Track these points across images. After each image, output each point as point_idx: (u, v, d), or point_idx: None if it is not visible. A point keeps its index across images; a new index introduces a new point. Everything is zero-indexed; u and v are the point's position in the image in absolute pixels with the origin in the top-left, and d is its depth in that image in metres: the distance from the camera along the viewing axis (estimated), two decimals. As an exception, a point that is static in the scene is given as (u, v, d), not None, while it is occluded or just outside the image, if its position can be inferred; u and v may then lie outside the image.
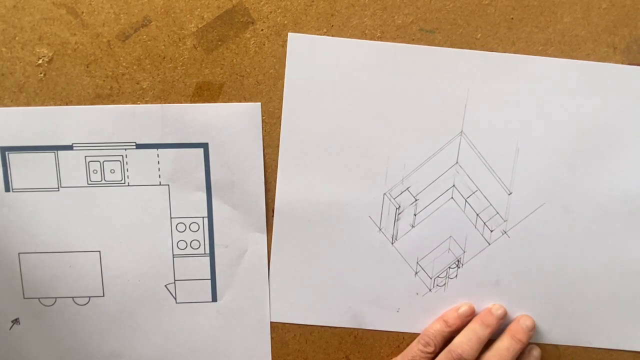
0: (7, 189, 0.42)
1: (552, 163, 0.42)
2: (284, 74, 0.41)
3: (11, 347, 0.44)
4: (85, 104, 0.41)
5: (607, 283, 0.44)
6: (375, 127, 0.42)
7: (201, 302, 0.45)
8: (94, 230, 0.43)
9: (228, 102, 0.42)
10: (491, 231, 0.44)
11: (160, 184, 0.43)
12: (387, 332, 0.46)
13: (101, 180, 0.42)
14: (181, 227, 0.43)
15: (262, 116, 0.42)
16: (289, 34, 0.41)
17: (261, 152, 0.42)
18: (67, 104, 0.41)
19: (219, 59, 0.41)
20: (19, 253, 0.43)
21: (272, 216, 0.44)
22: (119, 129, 0.42)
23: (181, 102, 0.42)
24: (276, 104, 0.42)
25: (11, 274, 0.43)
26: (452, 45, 0.41)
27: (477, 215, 0.43)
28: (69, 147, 0.42)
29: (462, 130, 0.42)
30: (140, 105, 0.41)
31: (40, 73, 0.41)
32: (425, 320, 0.45)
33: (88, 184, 0.42)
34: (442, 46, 0.41)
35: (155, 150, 0.42)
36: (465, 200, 0.43)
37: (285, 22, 0.41)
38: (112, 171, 0.42)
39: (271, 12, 0.41)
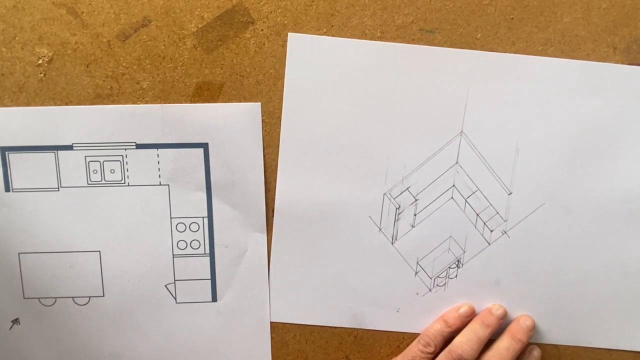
0: (7, 189, 0.42)
1: (552, 163, 0.42)
2: (284, 74, 0.41)
3: (11, 347, 0.44)
4: (85, 104, 0.41)
5: (607, 283, 0.44)
6: (375, 127, 0.42)
7: (201, 302, 0.45)
8: (94, 230, 0.43)
9: (228, 102, 0.42)
10: (491, 231, 0.44)
11: (160, 184, 0.43)
12: (387, 332, 0.46)
13: (101, 180, 0.42)
14: (181, 227, 0.43)
15: (262, 116, 0.42)
16: (289, 34, 0.41)
17: (261, 152, 0.42)
18: (67, 104, 0.41)
19: (219, 59, 0.41)
20: (19, 253, 0.43)
21: (272, 216, 0.44)
22: (119, 129, 0.42)
23: (181, 102, 0.42)
24: (276, 104, 0.42)
25: (11, 274, 0.43)
26: (452, 45, 0.41)
27: (477, 215, 0.43)
28: (69, 147, 0.42)
29: (462, 130, 0.42)
30: (140, 105, 0.41)
31: (40, 73, 0.41)
32: (425, 320, 0.45)
33: (88, 184, 0.42)
34: (442, 46, 0.41)
35: (155, 150, 0.42)
36: (465, 200, 0.43)
37: (285, 22, 0.41)
38: (112, 171, 0.42)
39: (271, 12, 0.41)
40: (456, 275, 0.45)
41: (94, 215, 0.43)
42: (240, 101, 0.42)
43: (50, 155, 0.42)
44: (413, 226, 0.44)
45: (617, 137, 0.42)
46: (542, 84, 0.41)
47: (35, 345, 0.45)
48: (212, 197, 0.43)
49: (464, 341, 0.42)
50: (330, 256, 0.44)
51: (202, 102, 0.42)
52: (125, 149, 0.42)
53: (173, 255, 0.44)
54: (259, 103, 0.42)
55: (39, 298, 0.44)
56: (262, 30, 0.41)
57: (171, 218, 0.43)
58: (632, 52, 0.41)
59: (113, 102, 0.42)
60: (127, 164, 0.42)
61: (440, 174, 0.43)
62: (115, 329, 0.45)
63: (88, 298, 0.44)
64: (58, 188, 0.42)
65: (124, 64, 0.41)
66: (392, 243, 0.44)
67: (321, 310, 0.45)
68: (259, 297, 0.45)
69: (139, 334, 0.45)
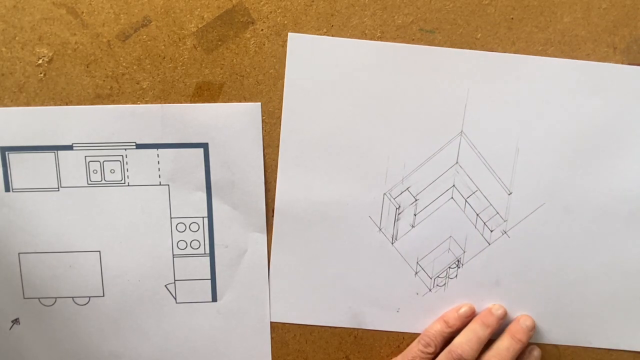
0: (7, 189, 0.42)
1: (552, 163, 0.42)
2: (284, 74, 0.41)
3: (11, 347, 0.44)
4: (85, 104, 0.41)
5: (607, 283, 0.44)
6: (375, 127, 0.42)
7: (201, 302, 0.45)
8: (94, 230, 0.43)
9: (228, 102, 0.42)
10: (491, 231, 0.44)
11: (160, 184, 0.43)
12: (387, 332, 0.46)
13: (101, 180, 0.42)
14: (181, 227, 0.43)
15: (262, 116, 0.42)
16: (289, 34, 0.41)
17: (261, 152, 0.42)
18: (67, 104, 0.41)
19: (219, 59, 0.41)
20: (19, 253, 0.43)
21: (272, 216, 0.44)
22: (119, 129, 0.42)
23: (181, 102, 0.42)
24: (276, 104, 0.42)
25: (11, 274, 0.43)
26: (452, 45, 0.41)
27: (477, 215, 0.43)
28: (69, 147, 0.42)
29: (462, 130, 0.42)
30: (140, 105, 0.41)
31: (40, 73, 0.41)
32: (425, 320, 0.45)
33: (88, 184, 0.42)
34: (442, 46, 0.41)
35: (155, 150, 0.42)
36: (465, 200, 0.43)
37: (285, 22, 0.41)
38: (112, 171, 0.42)
39: (271, 12, 0.41)
40: (456, 275, 0.45)
41: (94, 215, 0.43)
42: (240, 101, 0.42)
43: (50, 155, 0.42)
44: (413, 226, 0.44)
45: (617, 137, 0.42)
46: (542, 84, 0.41)
47: (35, 345, 0.45)
48: (212, 197, 0.43)
49: (464, 341, 0.42)
50: (330, 256, 0.44)
51: (202, 102, 0.42)
52: (125, 149, 0.42)
53: (173, 255, 0.44)
54: (259, 103, 0.42)
55: (39, 298, 0.44)
56: (262, 30, 0.41)
57: (171, 218, 0.43)
58: (632, 52, 0.41)
59: (113, 102, 0.41)
60: (127, 164, 0.42)
61: (440, 174, 0.43)
62: (115, 329, 0.45)
63: (88, 298, 0.44)
64: (58, 188, 0.42)
65: (124, 64, 0.41)
66: (392, 243, 0.44)
67: (321, 310, 0.45)
68: (259, 297, 0.45)
69: (139, 334, 0.45)
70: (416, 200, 0.43)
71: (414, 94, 0.42)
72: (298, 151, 0.42)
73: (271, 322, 0.45)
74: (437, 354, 0.43)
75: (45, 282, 0.44)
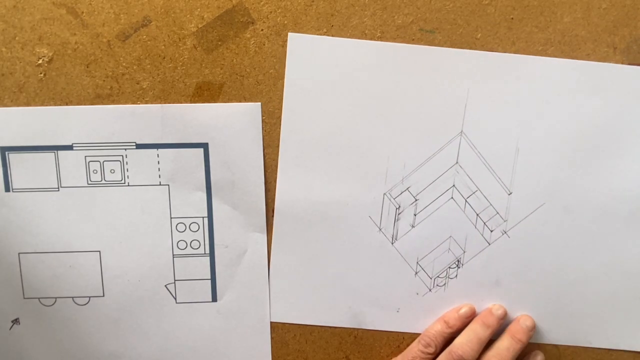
0: (7, 189, 0.42)
1: (552, 163, 0.42)
2: (284, 74, 0.41)
3: (11, 347, 0.44)
4: (85, 104, 0.41)
5: (607, 283, 0.44)
6: (375, 127, 0.42)
7: (201, 302, 0.45)
8: (94, 230, 0.43)
9: (228, 102, 0.42)
10: (491, 231, 0.44)
11: (160, 184, 0.43)
12: (387, 332, 0.46)
13: (101, 180, 0.42)
14: (181, 227, 0.43)
15: (262, 116, 0.42)
16: (289, 34, 0.41)
17: (261, 152, 0.42)
18: (67, 104, 0.41)
19: (219, 59, 0.41)
20: (19, 253, 0.43)
21: (272, 216, 0.44)
22: (119, 129, 0.42)
23: (181, 102, 0.42)
24: (276, 104, 0.42)
25: (11, 274, 0.43)
26: (452, 45, 0.41)
27: (477, 215, 0.43)
28: (69, 147, 0.42)
29: (462, 130, 0.42)
30: (140, 105, 0.41)
31: (40, 73, 0.41)
32: (425, 320, 0.45)
33: (88, 184, 0.42)
34: (442, 46, 0.41)
35: (155, 150, 0.42)
36: (465, 200, 0.43)
37: (285, 22, 0.41)
38: (112, 171, 0.42)
39: (271, 12, 0.41)
40: (456, 275, 0.45)
41: (94, 215, 0.43)
42: (240, 101, 0.42)
43: (50, 155, 0.42)
44: (413, 226, 0.44)
45: (617, 137, 0.42)
46: (542, 84, 0.41)
47: (35, 345, 0.45)
48: (212, 197, 0.43)
49: (465, 342, 0.42)
50: (330, 256, 0.44)
51: (202, 102, 0.42)
52: (125, 149, 0.42)
53: (173, 255, 0.44)
54: (259, 103, 0.42)
55: (39, 298, 0.44)
56: (262, 30, 0.41)
57: (171, 218, 0.43)
58: (632, 52, 0.41)
59: (113, 102, 0.41)
60: (127, 164, 0.42)
61: (440, 174, 0.43)
62: (115, 329, 0.45)
63: (88, 298, 0.44)
64: (58, 188, 0.42)
65: (124, 64, 0.41)
66: (392, 243, 0.44)
67: (321, 310, 0.45)
68: (259, 297, 0.45)
69: (139, 334, 0.45)
70: (416, 200, 0.43)
71: (414, 94, 0.42)
72: (298, 151, 0.42)
73: (271, 322, 0.45)
74: (437, 354, 0.43)
75: (45, 282, 0.44)
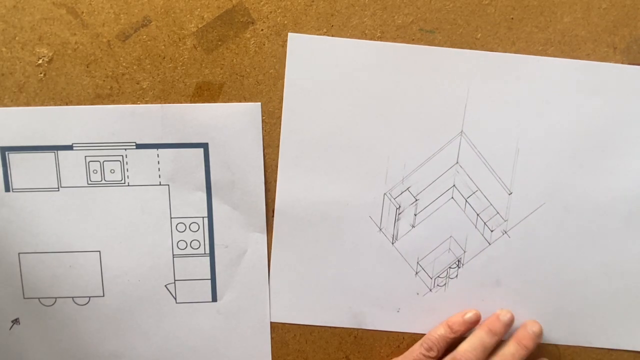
0: (7, 189, 0.42)
1: (552, 163, 0.42)
2: (284, 74, 0.41)
3: (11, 347, 0.44)
4: (85, 104, 0.41)
5: (607, 283, 0.44)
6: (375, 127, 0.42)
7: (201, 302, 0.45)
8: (94, 230, 0.43)
9: (228, 102, 0.42)
10: (491, 231, 0.44)
11: (160, 184, 0.43)
12: (387, 332, 0.46)
13: (101, 180, 0.42)
14: (181, 227, 0.43)
15: (262, 116, 0.42)
16: (289, 34, 0.41)
17: (261, 152, 0.42)
18: (67, 104, 0.41)
19: (219, 59, 0.41)
20: (19, 253, 0.43)
21: (272, 216, 0.44)
22: (119, 129, 0.42)
23: (181, 102, 0.42)
24: (276, 104, 0.42)
25: (11, 274, 0.43)
26: (452, 45, 0.41)
27: (478, 215, 0.43)
28: (69, 147, 0.42)
29: (462, 130, 0.42)
30: (140, 105, 0.41)
31: (40, 73, 0.41)
32: (425, 320, 0.45)
33: (88, 184, 0.42)
34: (442, 46, 0.41)
35: (155, 150, 0.42)
36: (466, 200, 0.43)
37: (285, 22, 0.41)
38: (112, 171, 0.42)
39: (271, 12, 0.41)
40: (456, 275, 0.45)
41: (94, 215, 0.43)
42: (240, 101, 0.42)
43: (50, 155, 0.42)
44: (413, 226, 0.44)
45: (617, 137, 0.42)
46: (542, 84, 0.41)
47: (35, 345, 0.45)
48: (212, 197, 0.43)
49: (469, 349, 0.42)
50: (330, 256, 0.44)
51: (202, 102, 0.42)
52: (125, 149, 0.42)
53: (173, 255, 0.44)
54: (259, 103, 0.42)
55: (39, 298, 0.44)
56: (262, 30, 0.41)
57: (171, 218, 0.43)
58: (632, 52, 0.41)
59: (113, 102, 0.41)
60: (127, 164, 0.42)
61: (441, 174, 0.43)
62: (115, 329, 0.45)
63: (88, 298, 0.44)
64: (58, 188, 0.42)
65: (124, 64, 0.41)
66: (393, 243, 0.44)
67: (321, 310, 0.45)
68: (259, 297, 0.45)
69: (139, 334, 0.45)
70: (416, 200, 0.43)
71: (414, 94, 0.42)
72: (298, 151, 0.42)
73: (271, 322, 0.45)
74: (439, 358, 0.43)
75: (45, 282, 0.44)
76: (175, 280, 0.44)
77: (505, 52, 0.41)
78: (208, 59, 0.41)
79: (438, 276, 0.45)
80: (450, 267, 0.44)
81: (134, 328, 0.45)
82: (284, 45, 0.41)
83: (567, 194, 0.43)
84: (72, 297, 0.44)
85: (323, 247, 0.44)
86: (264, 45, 0.41)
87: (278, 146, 0.42)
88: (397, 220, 0.44)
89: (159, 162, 0.42)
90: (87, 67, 0.41)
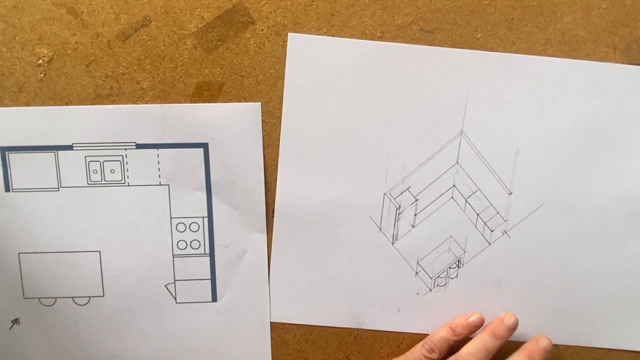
0: (7, 189, 0.42)
1: (552, 163, 0.42)
2: (284, 74, 0.41)
3: (11, 347, 0.44)
4: (85, 104, 0.41)
5: (607, 283, 0.44)
6: (375, 127, 0.42)
7: (201, 302, 0.45)
8: (94, 230, 0.43)
9: (228, 102, 0.42)
10: (491, 231, 0.44)
11: (160, 184, 0.43)
12: (387, 332, 0.46)
13: (101, 180, 0.42)
14: (181, 227, 0.43)
15: (262, 116, 0.42)
16: (289, 34, 0.41)
17: (261, 152, 0.42)
18: (67, 104, 0.41)
19: (219, 59, 0.41)
20: (19, 253, 0.43)
21: (272, 216, 0.44)
22: (119, 129, 0.42)
23: (181, 102, 0.42)
24: (276, 104, 0.42)
25: (11, 274, 0.43)
26: (452, 45, 0.41)
27: (478, 215, 0.43)
28: (69, 147, 0.42)
29: (462, 130, 0.42)
30: (140, 105, 0.41)
31: (40, 73, 0.41)
32: (425, 320, 0.45)
33: (88, 184, 0.42)
34: (442, 46, 0.41)
35: (155, 150, 0.42)
36: (466, 200, 0.43)
37: (285, 22, 0.41)
38: (112, 171, 0.42)
39: (271, 12, 0.41)
40: (456, 275, 0.45)
41: (94, 215, 0.43)
42: (240, 101, 0.42)
43: (50, 155, 0.42)
44: (413, 226, 0.44)
45: (617, 137, 0.42)
46: (542, 84, 0.41)
47: (35, 345, 0.45)
48: (212, 197, 0.43)
49: (472, 352, 0.41)
50: (330, 256, 0.44)
51: (202, 102, 0.42)
52: (125, 149, 0.42)
53: (173, 255, 0.44)
54: (259, 103, 0.42)
55: (39, 298, 0.44)
56: (262, 30, 0.41)
57: (171, 218, 0.43)
58: (632, 52, 0.41)
59: (113, 102, 0.41)
60: (127, 164, 0.42)
61: (441, 174, 0.43)
62: (115, 329, 0.45)
63: (88, 298, 0.44)
64: (58, 188, 0.42)
65: (124, 64, 0.41)
66: (393, 243, 0.44)
67: (321, 310, 0.45)
68: (259, 297, 0.45)
69: (139, 334, 0.45)
70: (416, 200, 0.43)
71: (414, 94, 0.42)
72: (298, 151, 0.42)
73: (271, 322, 0.45)
74: (440, 360, 0.43)
75: (45, 282, 0.44)
76: (175, 280, 0.44)
77: (505, 52, 0.41)
78: (208, 59, 0.41)
79: (438, 276, 0.45)
80: (450, 267, 0.44)
81: (134, 328, 0.45)
82: (284, 45, 0.41)
83: (567, 194, 0.43)
84: (72, 297, 0.44)
85: (323, 247, 0.44)
86: (264, 45, 0.41)
87: (278, 146, 0.42)
88: (397, 220, 0.44)
89: (159, 162, 0.42)
90: (87, 67, 0.41)
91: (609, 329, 0.45)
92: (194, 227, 0.43)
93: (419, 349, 0.43)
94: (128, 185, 0.43)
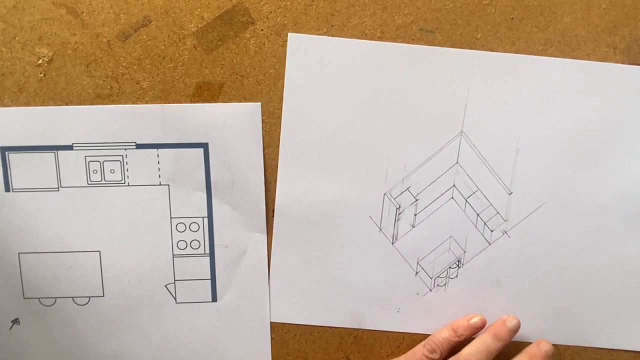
0: (7, 189, 0.42)
1: (552, 163, 0.42)
2: (284, 74, 0.41)
3: (11, 347, 0.44)
4: (85, 104, 0.41)
5: (607, 283, 0.44)
6: (375, 127, 0.42)
7: (201, 302, 0.45)
8: (94, 230, 0.43)
9: (228, 102, 0.42)
10: (491, 231, 0.44)
11: (160, 184, 0.43)
12: (387, 332, 0.46)
13: (101, 180, 0.42)
14: (181, 227, 0.43)
15: (262, 116, 0.42)
16: (289, 34, 0.41)
17: (261, 152, 0.42)
18: (67, 104, 0.41)
19: (219, 59, 0.41)
20: (19, 253, 0.43)
21: (272, 216, 0.44)
22: (119, 129, 0.42)
23: (181, 102, 0.42)
24: (276, 104, 0.42)
25: (11, 274, 0.43)
26: (452, 45, 0.41)
27: (478, 215, 0.43)
28: (69, 147, 0.42)
29: (462, 130, 0.42)
30: (140, 105, 0.41)
31: (40, 73, 0.41)
32: (425, 320, 0.45)
33: (88, 184, 0.42)
34: (442, 46, 0.41)
35: (155, 150, 0.42)
36: (466, 200, 0.43)
37: (285, 22, 0.41)
38: (112, 171, 0.42)
39: (271, 12, 0.41)
40: (457, 275, 0.45)
41: (94, 215, 0.43)
42: (240, 101, 0.42)
43: (50, 155, 0.42)
44: (413, 226, 0.44)
45: (617, 137, 0.42)
46: (542, 84, 0.41)
47: (35, 345, 0.45)
48: (212, 197, 0.43)
49: (474, 352, 0.41)
50: (330, 256, 0.44)
51: (202, 102, 0.42)
52: (125, 149, 0.42)
53: (173, 255, 0.44)
54: (259, 103, 0.42)
55: (39, 298, 0.44)
56: (262, 30, 0.41)
57: (171, 218, 0.43)
58: (632, 52, 0.41)
59: (113, 102, 0.41)
60: (127, 164, 0.42)
61: (441, 174, 0.43)
62: (115, 329, 0.45)
63: (88, 298, 0.44)
64: (58, 188, 0.42)
65: (124, 64, 0.41)
66: (393, 243, 0.44)
67: (321, 310, 0.45)
68: (259, 297, 0.45)
69: (139, 334, 0.45)
70: (416, 200, 0.43)
71: (414, 94, 0.42)
72: (298, 151, 0.42)
73: (271, 322, 0.45)
74: (441, 361, 0.43)
75: (45, 282, 0.44)
76: (175, 280, 0.44)
77: (505, 52, 0.41)
78: (208, 59, 0.41)
79: (438, 276, 0.45)
80: (450, 267, 0.44)
81: (134, 328, 0.45)
82: (284, 45, 0.41)
83: (567, 194, 0.43)
84: (72, 297, 0.44)
85: (323, 247, 0.44)
86: (264, 45, 0.41)
87: (278, 146, 0.42)
88: (397, 220, 0.44)
89: (159, 162, 0.42)
90: (87, 67, 0.41)
91: (609, 329, 0.45)
92: (194, 227, 0.43)
93: (420, 349, 0.43)
94: (128, 185, 0.43)
